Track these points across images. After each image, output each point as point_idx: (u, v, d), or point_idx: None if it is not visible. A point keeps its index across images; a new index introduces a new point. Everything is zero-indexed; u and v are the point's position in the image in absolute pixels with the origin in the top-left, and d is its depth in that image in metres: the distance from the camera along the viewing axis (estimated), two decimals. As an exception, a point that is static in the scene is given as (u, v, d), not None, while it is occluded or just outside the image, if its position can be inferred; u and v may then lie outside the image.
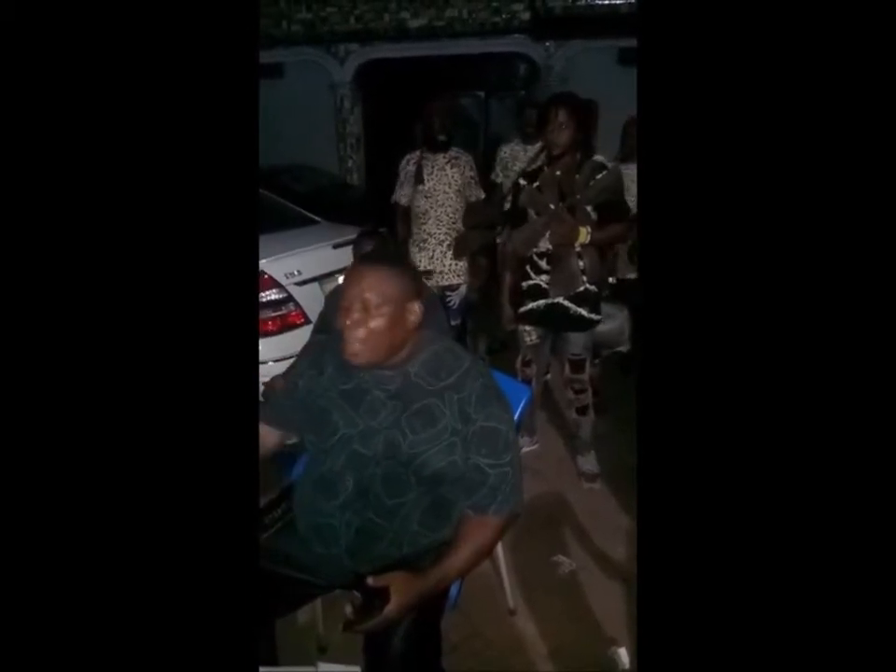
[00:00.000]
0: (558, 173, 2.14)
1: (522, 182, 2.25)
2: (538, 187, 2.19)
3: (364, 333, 1.11)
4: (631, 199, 2.86)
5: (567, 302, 2.19)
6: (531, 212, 2.21)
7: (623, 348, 2.80)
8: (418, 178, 2.74)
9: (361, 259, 1.22)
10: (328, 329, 1.78)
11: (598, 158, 2.19)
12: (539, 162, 2.35)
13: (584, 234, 2.10)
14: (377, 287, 1.11)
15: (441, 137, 2.74)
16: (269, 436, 1.30)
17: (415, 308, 1.16)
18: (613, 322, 2.59)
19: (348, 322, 1.11)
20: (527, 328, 2.36)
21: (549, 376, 2.77)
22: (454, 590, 1.33)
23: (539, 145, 3.10)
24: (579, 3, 5.08)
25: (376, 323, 1.11)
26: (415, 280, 1.20)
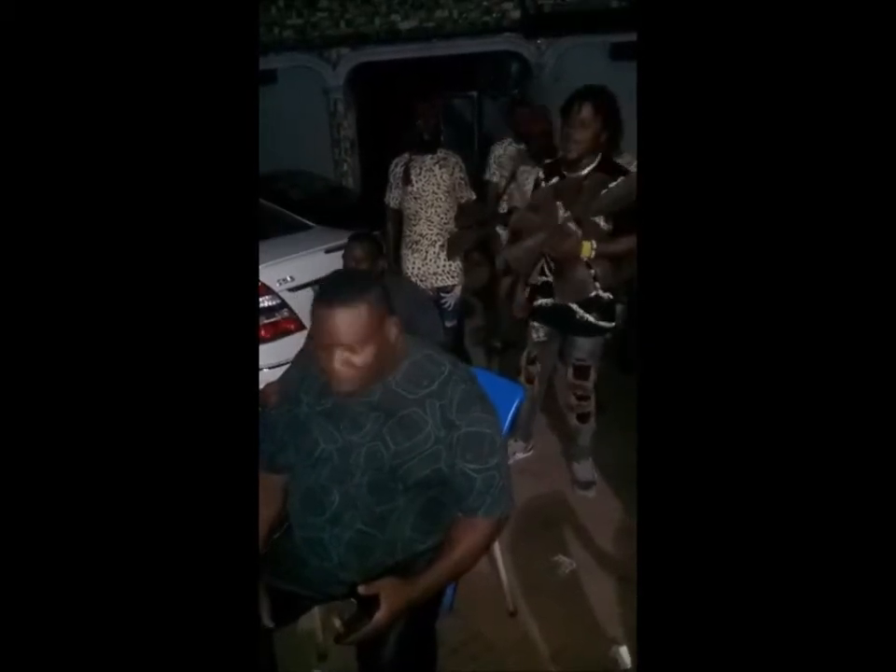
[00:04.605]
0: (574, 175, 1.99)
1: (541, 175, 2.12)
2: (535, 199, 2.08)
3: (354, 371, 1.08)
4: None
5: (574, 306, 2.10)
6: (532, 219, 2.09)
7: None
8: (406, 180, 2.74)
9: (327, 299, 1.07)
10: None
11: (619, 161, 2.03)
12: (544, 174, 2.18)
13: (588, 248, 1.94)
14: (355, 329, 1.05)
15: (427, 138, 2.73)
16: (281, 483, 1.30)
17: (393, 325, 1.12)
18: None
19: (335, 366, 1.07)
20: (535, 324, 2.29)
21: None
22: (448, 593, 1.32)
23: (527, 144, 3.10)
24: (569, -1, 5.08)
25: (363, 358, 1.07)
26: (384, 295, 1.12)
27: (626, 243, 1.94)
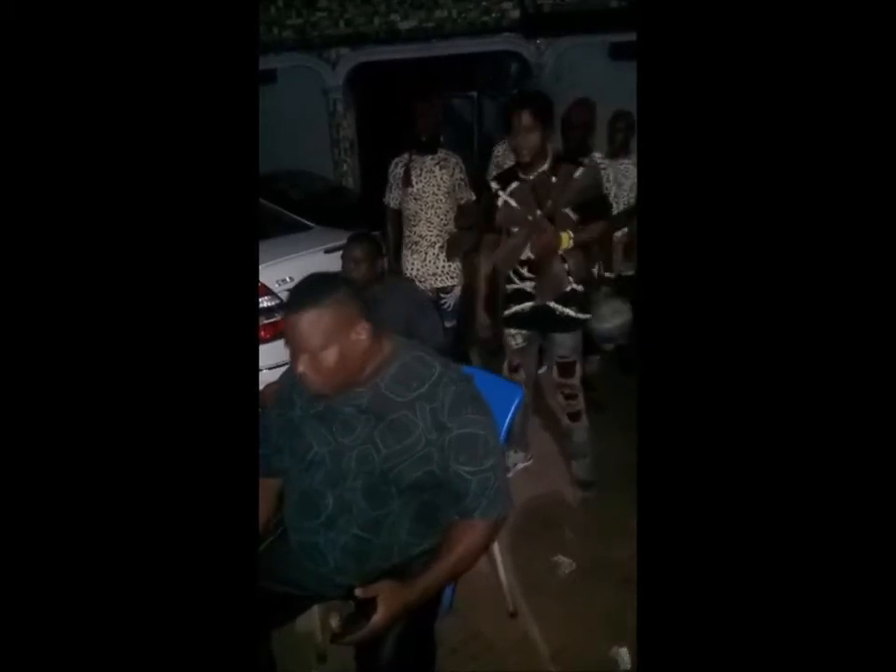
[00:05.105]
0: (531, 177, 2.06)
1: (495, 186, 2.17)
2: (513, 198, 2.11)
3: (320, 376, 1.10)
4: (624, 193, 2.86)
5: (553, 303, 2.14)
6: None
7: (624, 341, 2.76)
8: (406, 181, 2.74)
9: (290, 305, 1.11)
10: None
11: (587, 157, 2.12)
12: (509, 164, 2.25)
13: (567, 240, 2.03)
14: (315, 332, 1.07)
15: (427, 138, 2.73)
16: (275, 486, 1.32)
17: (361, 329, 1.13)
18: (622, 317, 2.53)
19: (300, 369, 1.09)
20: (512, 331, 2.29)
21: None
22: (447, 593, 1.32)
23: None
24: (568, -1, 5.09)
25: (326, 362, 1.09)
26: (353, 301, 1.13)
27: (597, 229, 2.09)
